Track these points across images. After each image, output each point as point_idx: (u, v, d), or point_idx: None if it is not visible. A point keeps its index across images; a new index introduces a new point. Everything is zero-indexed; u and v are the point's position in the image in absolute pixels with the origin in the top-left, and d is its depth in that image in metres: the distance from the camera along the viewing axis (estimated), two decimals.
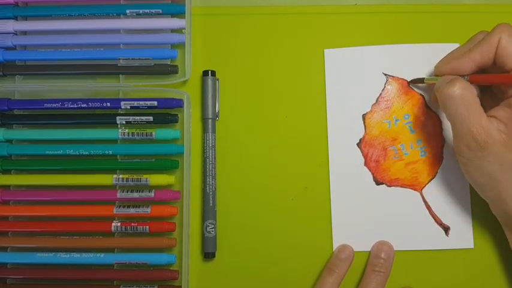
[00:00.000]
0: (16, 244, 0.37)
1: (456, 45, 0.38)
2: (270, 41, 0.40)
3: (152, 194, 0.37)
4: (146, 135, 0.38)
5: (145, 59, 0.38)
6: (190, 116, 0.38)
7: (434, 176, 0.38)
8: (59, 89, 0.39)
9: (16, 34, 0.39)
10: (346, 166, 0.38)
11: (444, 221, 0.38)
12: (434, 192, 0.38)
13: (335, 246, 0.38)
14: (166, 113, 0.38)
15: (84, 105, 0.38)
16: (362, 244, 0.38)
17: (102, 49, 0.38)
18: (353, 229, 0.38)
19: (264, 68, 0.40)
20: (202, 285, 0.38)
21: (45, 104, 0.38)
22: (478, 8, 0.40)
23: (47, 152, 0.37)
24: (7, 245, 0.37)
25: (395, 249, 0.37)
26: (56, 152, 0.37)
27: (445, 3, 0.40)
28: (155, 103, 0.38)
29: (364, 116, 0.39)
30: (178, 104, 0.38)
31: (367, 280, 0.36)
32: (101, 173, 0.37)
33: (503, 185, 0.33)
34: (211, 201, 0.38)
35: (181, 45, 0.38)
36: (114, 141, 0.38)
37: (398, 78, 0.39)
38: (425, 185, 0.38)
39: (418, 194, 0.38)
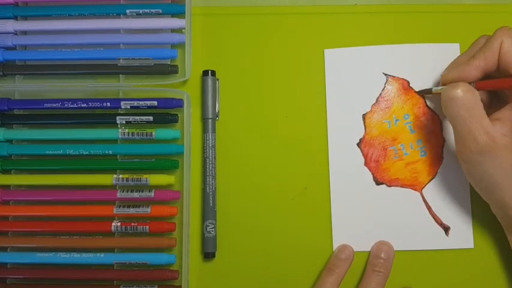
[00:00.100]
0: (16, 244, 0.37)
1: (456, 45, 0.39)
2: (270, 41, 0.40)
3: (152, 194, 0.37)
4: (146, 135, 0.38)
5: (145, 58, 0.38)
6: (190, 116, 0.38)
7: (434, 176, 0.38)
8: (59, 89, 0.39)
9: (16, 34, 0.39)
10: (346, 166, 0.38)
11: (444, 221, 0.38)
12: (434, 192, 0.38)
13: (335, 246, 0.38)
14: (166, 112, 0.38)
15: (84, 105, 0.38)
16: (362, 244, 0.38)
17: (102, 49, 0.38)
18: (353, 229, 0.38)
19: (264, 68, 0.40)
20: (202, 285, 0.38)
21: (45, 104, 0.38)
22: (478, 8, 0.40)
23: (47, 152, 0.37)
24: (7, 245, 0.37)
25: (395, 249, 0.37)
26: (56, 152, 0.37)
27: (445, 3, 0.40)
28: (155, 103, 0.38)
29: (364, 116, 0.39)
30: (178, 104, 0.38)
31: (367, 280, 0.36)
32: (101, 173, 0.37)
33: (506, 189, 0.32)
34: (211, 201, 0.38)
35: (181, 45, 0.38)
36: (114, 141, 0.38)
37: (398, 78, 0.39)
38: (425, 185, 0.38)
39: (418, 194, 0.38)
